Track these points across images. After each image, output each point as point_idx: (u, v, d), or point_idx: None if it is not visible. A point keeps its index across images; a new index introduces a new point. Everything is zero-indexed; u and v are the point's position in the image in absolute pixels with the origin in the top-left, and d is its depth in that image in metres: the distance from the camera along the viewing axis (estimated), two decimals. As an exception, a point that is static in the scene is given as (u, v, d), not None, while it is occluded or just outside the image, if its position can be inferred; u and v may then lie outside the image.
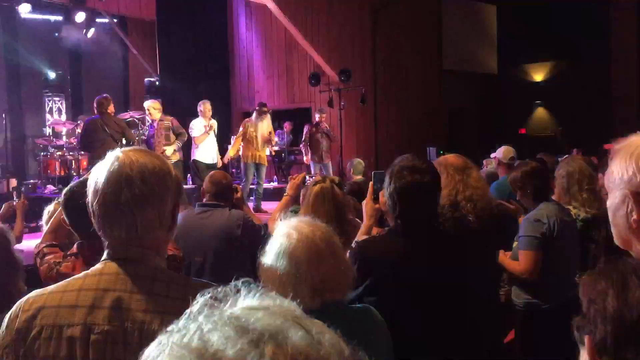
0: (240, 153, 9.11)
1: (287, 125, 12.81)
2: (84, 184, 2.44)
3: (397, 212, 2.32)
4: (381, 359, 1.86)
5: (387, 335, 1.90)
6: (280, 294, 1.76)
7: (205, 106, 8.61)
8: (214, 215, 3.82)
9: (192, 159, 8.79)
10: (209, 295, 0.70)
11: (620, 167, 1.31)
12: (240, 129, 8.99)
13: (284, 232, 1.78)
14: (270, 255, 1.76)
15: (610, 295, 0.93)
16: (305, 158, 10.67)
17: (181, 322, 0.67)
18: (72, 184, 2.55)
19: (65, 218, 2.50)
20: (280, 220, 1.84)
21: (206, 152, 8.71)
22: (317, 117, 10.54)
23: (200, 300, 0.69)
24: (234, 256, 3.76)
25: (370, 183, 2.67)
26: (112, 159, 1.38)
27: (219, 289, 0.71)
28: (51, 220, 2.88)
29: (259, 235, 3.84)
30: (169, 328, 0.65)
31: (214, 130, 8.74)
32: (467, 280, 2.29)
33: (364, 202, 2.72)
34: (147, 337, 1.27)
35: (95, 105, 8.11)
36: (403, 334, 1.97)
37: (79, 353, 1.30)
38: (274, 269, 1.73)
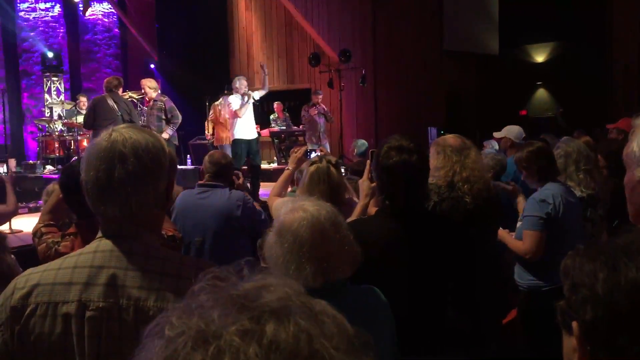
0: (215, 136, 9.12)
1: (277, 107, 12.63)
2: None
3: (385, 192, 2.31)
4: (385, 338, 1.87)
5: (391, 315, 1.91)
6: (283, 272, 1.79)
7: (241, 82, 8.49)
8: (213, 196, 3.82)
9: (232, 139, 8.65)
10: (212, 274, 0.69)
11: None
12: (211, 111, 8.93)
13: (289, 211, 1.78)
14: (275, 233, 1.77)
15: (600, 278, 0.87)
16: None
17: (183, 300, 0.66)
18: (69, 162, 2.55)
19: (63, 197, 2.50)
20: (281, 196, 1.84)
21: (245, 128, 8.57)
22: (314, 98, 10.51)
23: (202, 279, 0.68)
24: (233, 237, 3.77)
25: (367, 162, 2.66)
26: (105, 136, 1.38)
27: (222, 268, 0.70)
28: (50, 199, 2.87)
29: (259, 218, 3.85)
30: (170, 306, 0.65)
31: (252, 98, 8.60)
32: (455, 261, 2.29)
33: (360, 181, 2.72)
34: (142, 314, 1.27)
35: (107, 83, 7.99)
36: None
37: (74, 330, 1.31)
38: (277, 247, 1.74)
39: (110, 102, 7.74)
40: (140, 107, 10.09)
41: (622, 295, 0.84)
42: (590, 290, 0.88)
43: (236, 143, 8.47)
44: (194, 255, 3.70)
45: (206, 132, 9.25)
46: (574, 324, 0.89)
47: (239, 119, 8.39)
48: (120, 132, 1.37)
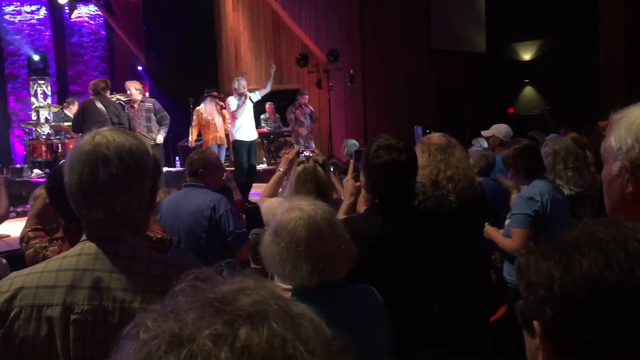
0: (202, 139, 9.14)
1: (268, 107, 12.61)
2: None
3: (375, 191, 2.33)
4: (381, 338, 1.88)
5: (387, 314, 1.92)
6: (280, 271, 1.79)
7: (239, 83, 8.48)
8: (193, 195, 3.77)
9: (232, 139, 8.64)
10: (192, 275, 0.69)
11: (619, 137, 1.29)
12: (194, 116, 8.98)
13: (285, 210, 1.79)
14: (271, 232, 1.78)
15: (556, 276, 0.87)
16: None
17: (161, 302, 0.66)
18: (56, 166, 2.53)
19: (50, 201, 2.49)
20: (272, 197, 1.84)
21: (245, 128, 8.55)
22: (300, 99, 10.52)
23: (182, 280, 0.68)
24: (205, 239, 3.68)
25: (351, 161, 2.69)
26: (88, 139, 1.37)
27: (203, 269, 0.70)
28: (35, 203, 2.85)
29: (230, 230, 3.64)
30: (149, 307, 0.65)
31: (250, 99, 8.58)
32: (444, 258, 2.32)
33: (344, 180, 2.73)
34: (128, 316, 1.27)
35: (94, 86, 7.97)
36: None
37: (59, 333, 1.30)
38: (274, 246, 1.75)
39: (99, 104, 7.71)
40: (127, 109, 10.05)
41: (579, 290, 0.85)
42: (547, 290, 0.88)
43: (237, 144, 8.48)
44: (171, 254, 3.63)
45: (190, 137, 9.23)
46: (535, 324, 0.90)
47: (239, 120, 8.40)
48: (103, 135, 1.37)
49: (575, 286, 0.85)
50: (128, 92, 8.54)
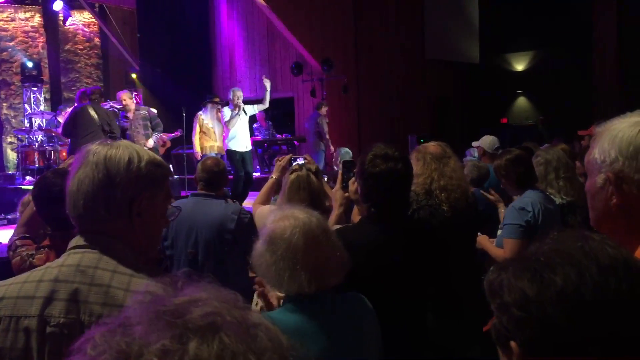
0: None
1: (259, 116, 12.54)
2: (55, 173, 2.41)
3: (370, 200, 2.32)
4: (370, 347, 1.87)
5: (377, 323, 1.92)
6: (275, 280, 1.79)
7: (234, 94, 8.54)
8: (207, 207, 3.69)
9: (226, 149, 8.69)
10: (149, 287, 0.67)
11: (603, 150, 1.29)
12: (196, 123, 8.94)
13: (278, 219, 1.78)
14: (264, 241, 1.76)
15: (531, 296, 0.84)
16: (332, 148, 10.63)
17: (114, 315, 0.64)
18: (43, 174, 2.52)
19: (37, 209, 2.47)
20: (265, 204, 1.83)
21: (239, 139, 8.59)
22: (323, 109, 10.69)
23: (138, 293, 0.66)
24: (225, 250, 3.63)
25: (340, 172, 2.69)
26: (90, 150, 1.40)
27: (163, 280, 0.68)
28: (24, 212, 2.83)
29: (255, 233, 3.64)
30: (102, 321, 0.63)
31: (244, 111, 8.61)
32: (438, 268, 2.31)
33: (333, 190, 2.73)
34: None
35: (86, 94, 8.00)
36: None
37: (35, 346, 1.28)
38: (268, 255, 1.73)
39: (92, 112, 7.71)
40: (121, 117, 10.04)
41: (555, 308, 0.83)
42: (523, 310, 0.85)
43: (230, 154, 8.50)
44: (184, 267, 3.57)
45: (196, 149, 9.08)
46: (513, 345, 0.87)
47: (232, 130, 8.43)
48: (101, 146, 1.40)
49: (551, 304, 0.83)
50: (123, 102, 8.57)
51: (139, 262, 1.40)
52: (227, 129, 8.46)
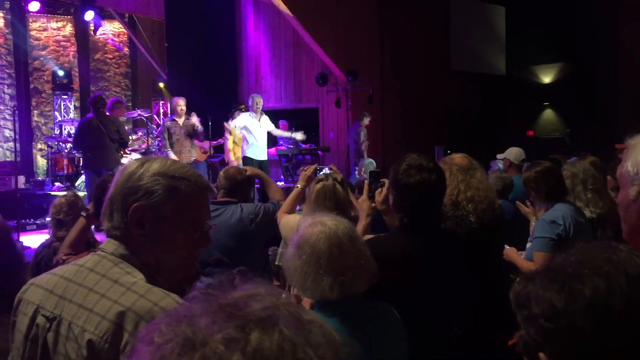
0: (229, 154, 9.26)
1: (282, 125, 12.61)
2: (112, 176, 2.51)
3: (404, 210, 2.32)
4: (396, 357, 1.88)
5: (403, 334, 1.93)
6: (301, 283, 1.82)
7: (253, 100, 8.65)
8: (225, 213, 3.72)
9: (242, 155, 8.79)
10: (205, 283, 0.70)
11: (635, 162, 1.29)
12: (226, 133, 9.01)
13: (308, 225, 1.82)
14: (294, 245, 1.81)
15: (560, 308, 0.84)
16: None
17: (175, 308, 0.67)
18: (102, 177, 2.63)
19: (95, 211, 2.57)
20: (290, 213, 1.86)
21: (257, 148, 8.67)
22: (366, 120, 10.91)
23: (196, 288, 0.69)
24: (248, 251, 3.69)
25: (366, 182, 2.69)
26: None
27: (217, 277, 0.71)
28: (69, 233, 2.93)
29: (273, 220, 3.66)
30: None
31: (261, 123, 8.73)
32: (472, 279, 2.30)
33: (359, 200, 2.74)
34: (71, 332, 1.30)
35: (90, 103, 8.10)
36: (406, 331, 1.98)
37: (25, 332, 1.37)
38: (296, 259, 1.78)
39: (95, 122, 7.81)
40: (149, 125, 10.16)
41: (585, 319, 0.83)
42: (552, 322, 0.85)
43: (247, 161, 8.54)
44: (210, 270, 3.61)
45: (232, 157, 9.13)
46: (542, 356, 0.87)
47: (253, 137, 8.50)
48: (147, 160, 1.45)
49: (581, 316, 0.83)
50: (178, 109, 8.55)
51: (155, 276, 1.37)
52: (245, 136, 8.58)
